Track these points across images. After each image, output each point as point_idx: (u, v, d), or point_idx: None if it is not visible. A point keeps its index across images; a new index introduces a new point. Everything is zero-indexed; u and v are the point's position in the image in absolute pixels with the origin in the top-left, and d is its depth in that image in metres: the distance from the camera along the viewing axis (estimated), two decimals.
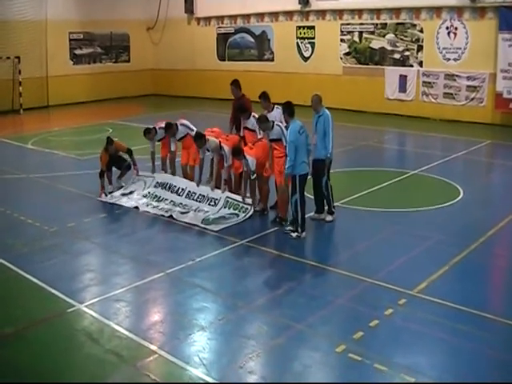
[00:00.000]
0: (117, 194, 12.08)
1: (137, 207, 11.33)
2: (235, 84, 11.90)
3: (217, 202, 10.94)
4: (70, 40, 27.86)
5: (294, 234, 9.68)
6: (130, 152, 12.38)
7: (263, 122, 10.24)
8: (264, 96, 10.85)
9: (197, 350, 6.34)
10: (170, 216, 10.76)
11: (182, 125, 12.20)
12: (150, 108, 26.98)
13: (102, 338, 6.65)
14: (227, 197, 10.87)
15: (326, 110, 10.20)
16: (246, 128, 11.22)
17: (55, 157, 16.50)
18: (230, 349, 6.40)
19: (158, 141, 12.53)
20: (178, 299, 7.65)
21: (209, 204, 11.02)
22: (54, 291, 7.79)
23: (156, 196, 11.69)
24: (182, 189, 11.54)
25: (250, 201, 10.68)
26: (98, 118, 22.99)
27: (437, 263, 8.42)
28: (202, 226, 10.26)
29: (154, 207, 11.28)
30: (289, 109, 9.79)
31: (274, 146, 10.26)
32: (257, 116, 11.02)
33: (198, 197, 11.27)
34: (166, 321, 7.17)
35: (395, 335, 6.60)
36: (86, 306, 7.38)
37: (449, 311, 7.05)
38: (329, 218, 10.37)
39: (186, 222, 10.48)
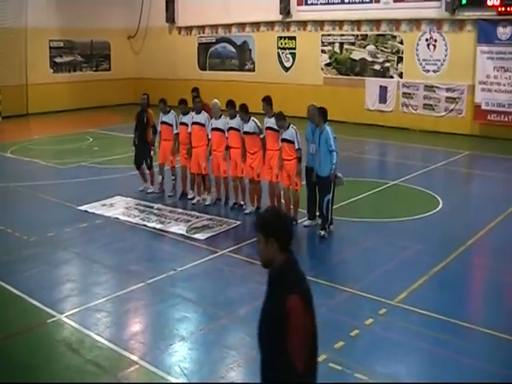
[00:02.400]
0: (97, 204, 12.05)
1: (117, 218, 11.28)
2: (196, 91, 13.04)
3: (200, 217, 11.14)
4: (50, 48, 27.63)
5: (323, 232, 9.97)
6: (154, 128, 13.16)
7: (281, 119, 10.39)
8: (267, 100, 10.99)
9: (178, 360, 6.33)
10: (153, 226, 10.74)
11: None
12: (131, 117, 26.70)
13: (82, 349, 6.60)
14: (211, 218, 11.08)
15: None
16: None
17: (35, 166, 16.35)
18: (211, 359, 6.39)
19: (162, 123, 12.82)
20: (159, 309, 7.63)
21: (191, 216, 11.24)
22: (33, 301, 7.72)
23: (138, 210, 11.72)
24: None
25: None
26: (79, 127, 22.84)
27: (417, 273, 8.49)
28: (188, 235, 10.26)
29: (135, 217, 11.24)
30: (323, 114, 10.06)
31: (284, 147, 10.40)
32: None
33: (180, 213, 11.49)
34: (147, 331, 7.15)
35: (376, 345, 6.64)
36: (66, 317, 7.33)
37: (429, 321, 7.11)
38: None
39: (170, 232, 10.46)
